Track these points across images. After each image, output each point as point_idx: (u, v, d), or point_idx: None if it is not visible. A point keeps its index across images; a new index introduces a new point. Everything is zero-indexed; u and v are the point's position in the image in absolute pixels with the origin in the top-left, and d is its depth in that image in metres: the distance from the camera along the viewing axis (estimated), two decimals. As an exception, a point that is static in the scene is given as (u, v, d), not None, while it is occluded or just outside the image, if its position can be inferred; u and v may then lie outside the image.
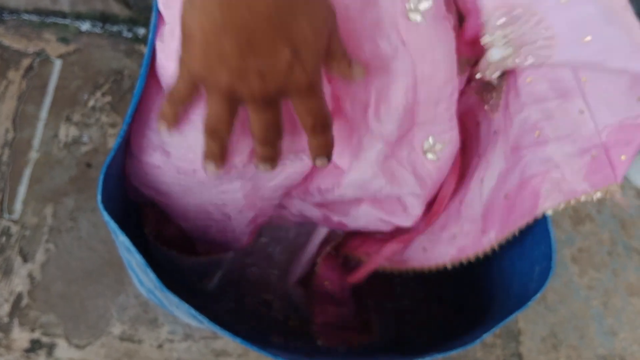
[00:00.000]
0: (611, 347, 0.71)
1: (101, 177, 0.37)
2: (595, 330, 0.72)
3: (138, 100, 0.41)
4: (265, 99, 0.41)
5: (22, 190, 0.74)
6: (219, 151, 0.44)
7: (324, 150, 0.45)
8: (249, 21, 0.37)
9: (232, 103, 0.41)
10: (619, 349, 0.71)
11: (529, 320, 0.72)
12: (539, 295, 0.42)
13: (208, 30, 0.38)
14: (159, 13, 0.43)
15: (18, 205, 0.73)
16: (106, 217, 0.36)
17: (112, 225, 0.36)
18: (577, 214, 0.77)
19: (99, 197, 0.36)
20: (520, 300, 0.42)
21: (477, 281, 0.55)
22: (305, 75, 0.40)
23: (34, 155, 0.76)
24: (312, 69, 0.40)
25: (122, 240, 0.37)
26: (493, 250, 0.47)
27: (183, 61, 0.41)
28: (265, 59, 0.38)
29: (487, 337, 0.70)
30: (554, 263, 0.42)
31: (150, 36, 0.40)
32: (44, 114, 0.78)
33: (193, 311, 0.37)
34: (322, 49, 0.41)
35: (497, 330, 0.70)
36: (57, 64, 0.82)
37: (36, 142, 0.77)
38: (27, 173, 0.75)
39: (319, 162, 0.46)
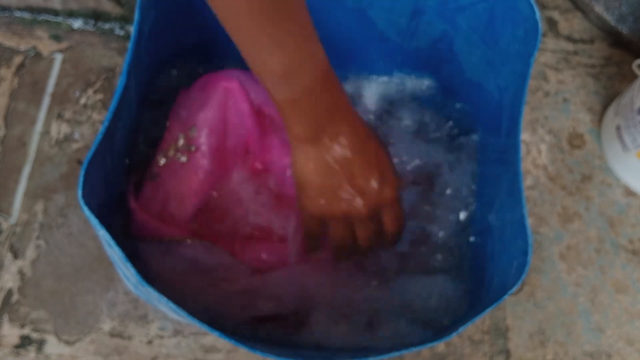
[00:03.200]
0: (598, 343, 0.72)
1: (82, 173, 0.38)
2: (583, 327, 0.72)
3: (120, 95, 0.42)
4: (369, 214, 0.55)
5: (14, 186, 0.75)
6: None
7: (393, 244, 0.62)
8: (350, 161, 0.53)
9: (346, 223, 0.57)
10: (606, 345, 0.72)
11: (516, 317, 0.72)
12: (513, 290, 0.42)
13: (321, 176, 0.53)
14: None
15: (15, 202, 0.74)
16: (86, 211, 0.37)
17: (93, 220, 0.37)
18: (566, 211, 0.78)
19: (80, 193, 0.37)
20: (499, 294, 0.42)
21: (461, 275, 0.56)
22: (391, 190, 0.56)
23: (24, 152, 0.76)
24: (395, 185, 0.56)
25: (102, 235, 0.37)
26: (475, 245, 0.48)
27: (305, 206, 0.57)
28: (365, 184, 0.54)
29: (476, 334, 0.71)
30: (529, 258, 0.43)
31: (133, 33, 0.41)
32: (35, 111, 0.79)
33: (173, 305, 0.37)
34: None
35: (474, 323, 0.71)
36: (49, 62, 0.82)
37: (27, 139, 0.77)
38: (19, 170, 0.75)
39: None
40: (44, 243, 0.72)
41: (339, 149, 0.52)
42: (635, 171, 0.76)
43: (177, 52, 0.67)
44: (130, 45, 0.41)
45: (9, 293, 0.70)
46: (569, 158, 0.81)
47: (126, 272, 0.39)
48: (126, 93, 0.44)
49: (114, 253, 0.37)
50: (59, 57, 0.82)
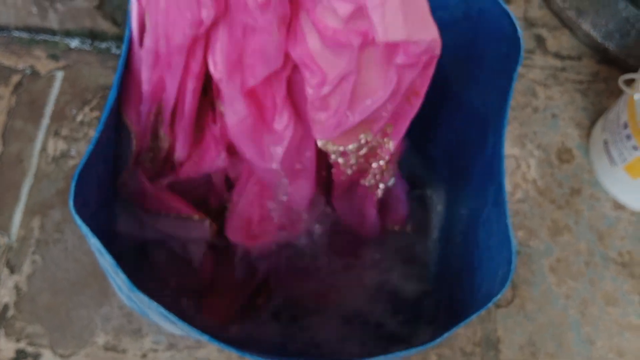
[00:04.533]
0: (588, 355, 0.73)
1: (73, 182, 0.39)
2: (573, 339, 0.73)
3: (110, 109, 0.43)
4: None
5: (11, 202, 0.76)
6: None
7: None
8: None
9: None
10: (596, 357, 0.72)
11: (507, 329, 0.73)
12: (497, 298, 0.43)
13: None
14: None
15: (14, 219, 0.75)
16: (77, 220, 0.38)
17: (84, 228, 0.38)
18: (555, 224, 0.79)
19: (71, 202, 0.38)
20: (485, 303, 0.43)
21: (449, 283, 0.57)
22: None
23: (22, 168, 0.78)
24: None
25: (93, 243, 0.38)
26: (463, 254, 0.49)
27: None
28: None
29: (467, 345, 0.71)
30: (513, 267, 0.44)
31: (123, 48, 0.42)
32: (32, 128, 0.80)
33: (163, 310, 0.38)
34: None
35: (465, 335, 0.72)
36: (47, 80, 0.83)
37: (25, 156, 0.78)
38: (16, 186, 0.77)
39: None
40: (40, 258, 0.73)
41: None
42: (623, 185, 0.78)
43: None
44: (120, 60, 0.43)
45: (5, 308, 0.71)
46: (558, 172, 0.82)
47: (117, 281, 0.40)
48: (117, 106, 0.46)
49: (105, 261, 0.38)
50: (57, 76, 0.84)
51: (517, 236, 0.78)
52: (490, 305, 0.42)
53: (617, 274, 0.76)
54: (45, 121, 0.81)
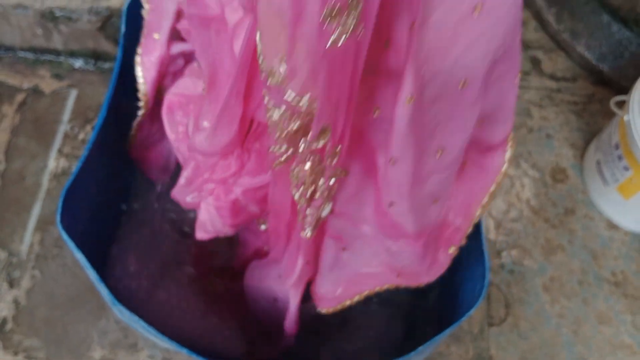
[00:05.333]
0: (581, 374, 0.73)
1: (61, 200, 0.40)
2: (566, 358, 0.73)
3: (100, 126, 0.44)
4: None
5: (12, 218, 0.77)
6: None
7: None
8: None
9: None
10: (589, 376, 0.73)
11: (500, 347, 0.73)
12: (471, 312, 0.44)
13: None
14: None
15: (16, 235, 0.76)
16: (64, 235, 0.39)
17: (70, 243, 0.39)
18: (549, 244, 0.79)
19: (58, 217, 0.39)
20: (461, 317, 0.44)
21: (432, 303, 0.58)
22: None
23: (24, 185, 0.79)
24: None
25: (79, 258, 0.39)
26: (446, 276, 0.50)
27: None
28: None
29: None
30: (487, 281, 0.45)
31: (115, 69, 0.44)
32: (35, 146, 0.82)
33: (144, 324, 0.39)
34: None
35: (458, 353, 0.72)
36: (50, 99, 0.85)
37: (26, 172, 0.80)
38: (17, 202, 0.78)
39: None
40: (39, 273, 0.75)
41: None
42: (616, 205, 0.78)
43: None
44: (111, 82, 0.44)
45: (4, 321, 0.72)
46: (552, 192, 0.82)
47: (104, 294, 0.41)
48: (108, 128, 0.47)
49: (90, 275, 0.39)
50: (61, 95, 0.86)
51: (510, 255, 0.78)
52: (463, 319, 0.43)
53: (610, 294, 0.77)
54: (48, 139, 0.83)
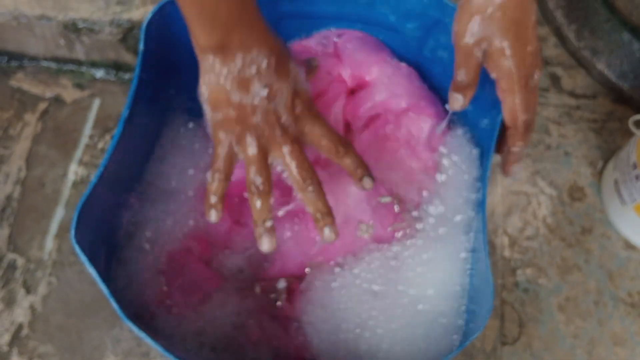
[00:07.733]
0: (594, 396, 0.72)
1: (75, 215, 0.41)
2: (579, 379, 0.73)
3: (118, 139, 0.45)
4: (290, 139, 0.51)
5: (32, 225, 0.78)
6: None
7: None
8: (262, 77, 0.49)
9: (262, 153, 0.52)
10: (603, 398, 0.72)
11: (513, 367, 0.73)
12: (476, 336, 0.44)
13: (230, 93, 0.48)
14: None
15: (34, 242, 0.77)
16: (78, 250, 0.40)
17: (83, 257, 0.40)
18: (565, 263, 0.78)
19: (72, 232, 0.40)
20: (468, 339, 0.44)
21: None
22: (305, 102, 0.52)
23: (43, 192, 0.81)
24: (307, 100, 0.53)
25: (91, 272, 0.40)
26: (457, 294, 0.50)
27: (214, 129, 0.52)
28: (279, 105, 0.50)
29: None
30: (491, 305, 0.44)
31: (133, 85, 0.44)
32: (55, 154, 0.83)
33: (148, 339, 0.39)
34: None
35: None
36: (71, 108, 0.87)
37: (46, 180, 0.82)
38: (36, 209, 0.79)
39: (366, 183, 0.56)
40: (55, 280, 0.76)
41: (250, 62, 0.47)
42: (633, 225, 0.77)
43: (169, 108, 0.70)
44: (130, 93, 0.45)
45: (20, 327, 0.73)
46: (569, 210, 0.82)
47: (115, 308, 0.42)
48: (126, 139, 0.48)
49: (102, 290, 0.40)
50: (80, 104, 0.87)
51: (525, 273, 0.78)
52: (467, 343, 0.42)
53: (626, 315, 0.76)
54: (68, 147, 0.84)
